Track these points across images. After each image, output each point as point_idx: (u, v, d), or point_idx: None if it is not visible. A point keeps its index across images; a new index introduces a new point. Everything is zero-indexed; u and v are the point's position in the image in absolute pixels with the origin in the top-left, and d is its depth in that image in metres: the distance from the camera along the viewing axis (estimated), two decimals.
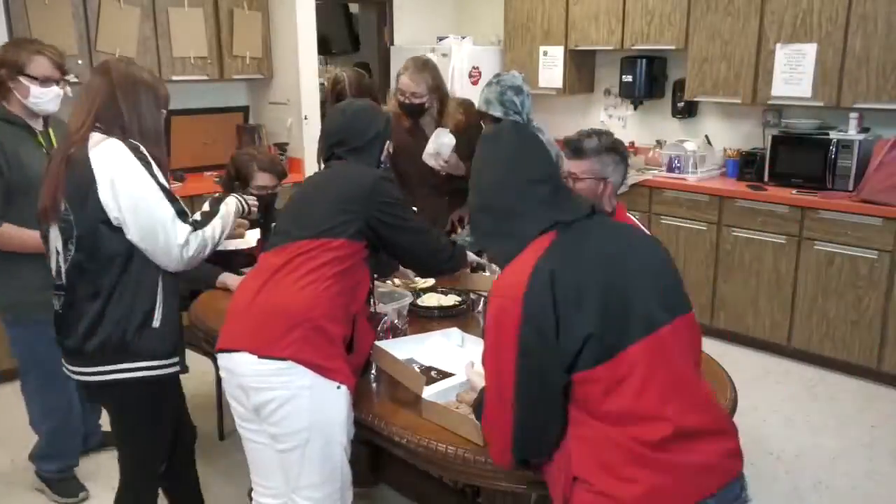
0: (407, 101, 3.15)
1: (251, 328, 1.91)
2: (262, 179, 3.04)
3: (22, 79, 2.51)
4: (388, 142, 2.21)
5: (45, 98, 2.54)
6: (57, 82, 2.58)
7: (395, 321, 2.27)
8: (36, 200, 2.05)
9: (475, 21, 6.01)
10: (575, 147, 2.52)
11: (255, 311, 1.93)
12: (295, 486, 1.97)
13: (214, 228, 2.07)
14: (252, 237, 2.83)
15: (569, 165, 2.54)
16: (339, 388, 1.88)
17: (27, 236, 2.49)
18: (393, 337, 2.21)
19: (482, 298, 2.59)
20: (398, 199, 2.06)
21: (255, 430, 2.03)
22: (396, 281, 2.80)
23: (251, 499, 2.90)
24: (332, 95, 3.29)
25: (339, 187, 2.03)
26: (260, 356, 1.87)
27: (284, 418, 1.88)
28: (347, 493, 2.04)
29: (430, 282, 2.80)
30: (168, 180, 2.01)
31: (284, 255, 1.95)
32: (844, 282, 3.91)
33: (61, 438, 2.91)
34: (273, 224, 2.76)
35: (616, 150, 2.52)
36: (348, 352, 1.94)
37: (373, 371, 2.11)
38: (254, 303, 1.93)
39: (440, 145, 3.04)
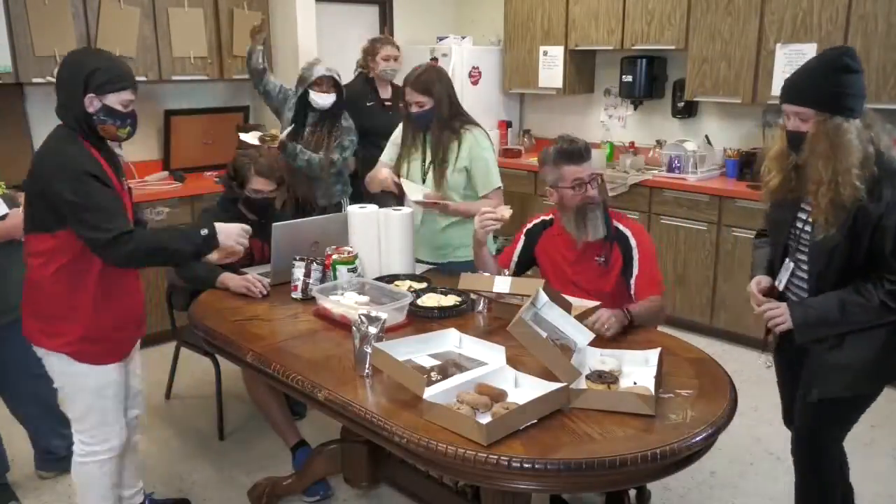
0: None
1: None
2: (258, 184, 3.03)
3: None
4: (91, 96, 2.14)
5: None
6: None
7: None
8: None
9: (475, 21, 6.01)
10: (578, 152, 2.55)
11: None
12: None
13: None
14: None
15: (575, 171, 2.53)
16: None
17: None
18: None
19: (482, 299, 2.59)
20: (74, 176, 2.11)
21: None
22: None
23: (251, 497, 2.91)
24: None
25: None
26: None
27: None
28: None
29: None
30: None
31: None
32: None
33: None
34: (272, 226, 2.77)
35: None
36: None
37: (367, 370, 2.09)
38: None
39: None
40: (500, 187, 3.03)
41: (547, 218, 2.78)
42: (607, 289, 2.58)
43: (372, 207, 2.93)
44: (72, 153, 2.12)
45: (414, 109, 2.93)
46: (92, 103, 2.12)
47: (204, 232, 2.21)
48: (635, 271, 2.56)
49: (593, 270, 2.61)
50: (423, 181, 3.02)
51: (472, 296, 2.61)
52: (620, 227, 2.61)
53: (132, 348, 2.45)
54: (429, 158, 3.00)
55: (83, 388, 2.27)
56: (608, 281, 2.59)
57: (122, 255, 2.10)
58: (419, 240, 3.06)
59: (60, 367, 2.27)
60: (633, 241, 2.58)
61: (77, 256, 2.16)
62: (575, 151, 2.55)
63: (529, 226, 2.81)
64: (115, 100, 2.14)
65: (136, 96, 2.21)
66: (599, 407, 1.86)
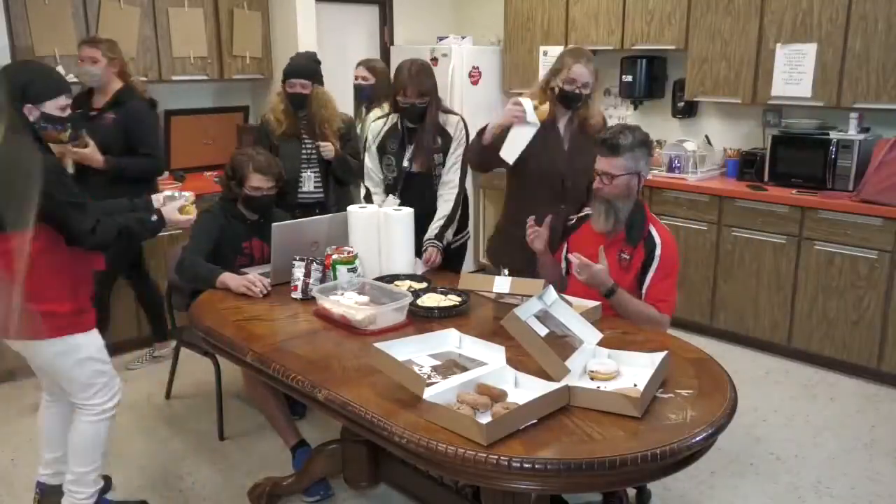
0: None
1: None
2: (256, 181, 3.03)
3: None
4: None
5: None
6: None
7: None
8: None
9: (475, 21, 6.00)
10: (611, 144, 2.49)
11: None
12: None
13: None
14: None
15: (602, 164, 2.51)
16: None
17: None
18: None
19: (482, 299, 2.59)
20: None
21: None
22: None
23: (251, 497, 2.91)
24: None
25: None
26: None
27: None
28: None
29: None
30: None
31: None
32: (844, 282, 3.91)
33: None
34: (272, 226, 2.77)
35: (646, 143, 2.52)
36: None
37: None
38: None
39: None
40: None
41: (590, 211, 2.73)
42: (623, 286, 2.54)
43: (372, 207, 2.93)
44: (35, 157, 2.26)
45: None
46: (31, 113, 2.26)
47: (154, 219, 2.52)
48: (648, 280, 2.53)
49: (614, 266, 2.56)
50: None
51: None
52: (654, 231, 2.56)
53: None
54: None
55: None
56: (625, 279, 2.55)
57: (94, 244, 2.33)
58: None
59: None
60: (658, 251, 2.53)
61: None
62: (608, 143, 2.50)
63: (573, 220, 2.79)
64: (52, 106, 2.29)
65: (71, 99, 2.38)
66: (588, 406, 1.86)
